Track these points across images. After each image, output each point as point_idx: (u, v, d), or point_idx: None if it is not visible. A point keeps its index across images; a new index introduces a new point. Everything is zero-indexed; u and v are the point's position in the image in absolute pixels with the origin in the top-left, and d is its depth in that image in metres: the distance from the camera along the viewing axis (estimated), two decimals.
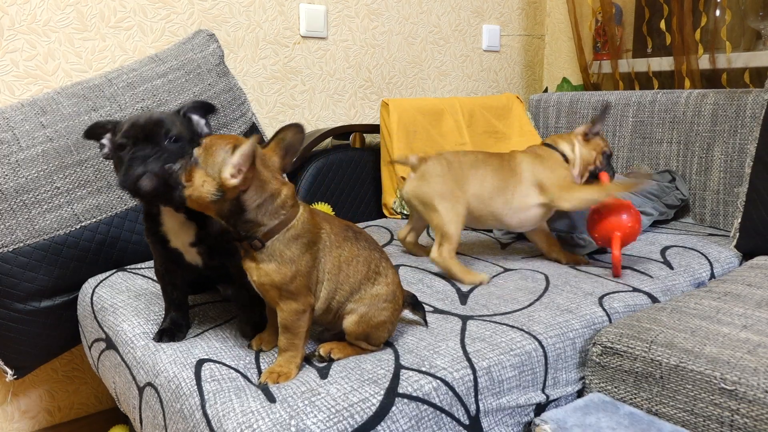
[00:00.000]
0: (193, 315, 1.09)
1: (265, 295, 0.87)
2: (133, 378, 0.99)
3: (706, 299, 1.12)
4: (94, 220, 1.32)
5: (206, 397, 0.81)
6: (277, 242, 0.83)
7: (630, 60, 2.22)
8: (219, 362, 0.90)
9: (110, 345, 1.09)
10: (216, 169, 0.79)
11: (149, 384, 0.93)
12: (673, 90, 1.88)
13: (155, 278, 1.27)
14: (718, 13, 2.01)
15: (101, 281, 1.27)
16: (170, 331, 1.00)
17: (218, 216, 0.83)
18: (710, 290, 1.18)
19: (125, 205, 1.35)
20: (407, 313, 1.04)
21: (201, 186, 0.80)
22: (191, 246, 0.99)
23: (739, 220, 1.46)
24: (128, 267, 1.35)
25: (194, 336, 1.00)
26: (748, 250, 1.45)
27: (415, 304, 1.01)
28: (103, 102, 1.36)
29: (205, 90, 1.48)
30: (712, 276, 1.38)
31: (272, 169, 0.84)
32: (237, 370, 0.88)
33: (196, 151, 0.81)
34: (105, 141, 0.97)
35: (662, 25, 2.08)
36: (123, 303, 1.15)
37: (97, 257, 1.32)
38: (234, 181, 0.78)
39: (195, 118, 0.99)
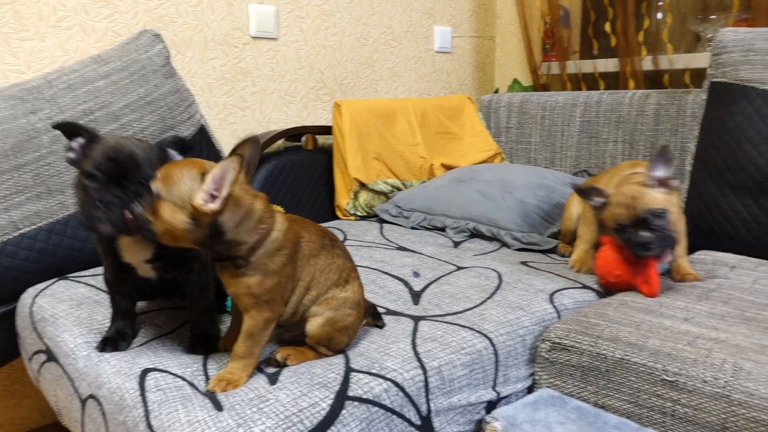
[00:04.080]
0: (140, 323, 1.06)
1: (238, 303, 0.85)
2: (75, 390, 0.95)
3: None
4: (34, 227, 1.26)
5: (150, 407, 0.78)
6: (261, 256, 0.81)
7: (577, 61, 2.27)
8: (165, 371, 0.87)
9: (51, 357, 1.05)
10: (185, 198, 0.76)
11: (91, 396, 0.90)
12: (618, 90, 1.93)
13: (99, 286, 1.22)
14: (659, 16, 2.08)
15: (41, 291, 1.22)
16: (114, 340, 0.96)
17: (195, 244, 0.80)
18: None
19: (67, 211, 1.30)
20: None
21: (171, 218, 0.77)
22: (146, 262, 0.96)
23: None
24: (70, 275, 1.30)
25: (140, 345, 0.98)
26: (690, 245, 1.49)
27: (375, 314, 1.02)
28: (42, 104, 1.31)
29: (150, 91, 1.44)
30: None
31: (241, 185, 0.81)
32: (183, 379, 0.86)
33: (154, 185, 0.78)
34: (75, 145, 0.90)
35: (607, 27, 2.13)
36: (64, 313, 1.10)
37: (37, 266, 1.27)
38: (212, 206, 0.76)
39: (171, 152, 0.95)
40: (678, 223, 1.21)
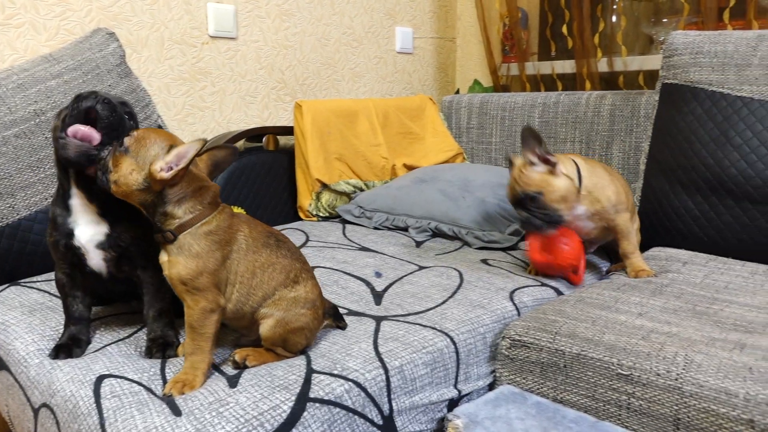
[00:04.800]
0: (95, 328, 1.03)
1: (175, 291, 0.86)
2: (28, 399, 0.92)
3: (606, 290, 1.18)
4: None
5: (105, 415, 0.77)
6: (188, 236, 0.84)
7: (536, 63, 2.31)
8: (121, 377, 0.86)
9: (2, 365, 1.02)
10: (147, 161, 0.83)
11: (45, 405, 0.87)
12: (575, 91, 1.97)
13: (52, 291, 1.19)
14: (614, 19, 2.14)
15: None
16: (67, 347, 0.94)
17: (139, 204, 0.86)
18: (611, 281, 1.25)
19: (17, 214, 1.26)
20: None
21: (128, 174, 0.83)
22: (98, 248, 0.94)
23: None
24: (22, 281, 1.26)
25: (95, 351, 0.95)
26: (644, 242, 1.54)
27: (336, 315, 1.01)
28: None
29: (105, 91, 1.40)
30: None
31: (199, 169, 0.88)
32: (140, 384, 0.84)
33: (127, 140, 0.84)
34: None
35: (564, 29, 2.18)
36: (15, 319, 1.07)
37: None
38: (164, 175, 0.82)
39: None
40: (618, 216, 1.30)
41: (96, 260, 0.96)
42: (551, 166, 1.23)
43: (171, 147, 0.83)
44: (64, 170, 0.95)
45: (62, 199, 0.96)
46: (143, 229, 0.95)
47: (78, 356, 0.93)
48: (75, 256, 0.95)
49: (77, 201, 0.95)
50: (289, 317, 0.88)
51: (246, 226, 0.89)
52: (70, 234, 0.95)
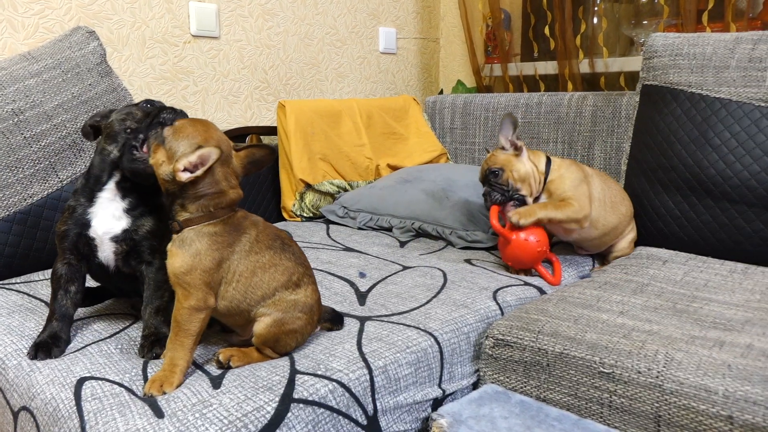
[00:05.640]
0: (75, 328, 1.02)
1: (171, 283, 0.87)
2: (7, 402, 0.91)
3: (588, 289, 1.19)
4: None
5: (86, 418, 0.76)
6: (192, 231, 0.85)
7: (518, 63, 2.32)
8: (102, 379, 0.85)
9: None
10: (175, 156, 0.85)
11: (24, 408, 0.86)
12: (557, 92, 1.99)
13: (31, 293, 1.17)
14: (595, 20, 2.16)
15: None
16: (46, 346, 0.92)
17: (164, 191, 0.89)
18: (592, 280, 1.26)
19: None
20: None
21: (160, 164, 0.87)
22: (112, 240, 0.97)
23: None
24: (1, 282, 1.24)
25: (75, 351, 0.94)
26: None
27: (335, 320, 1.02)
28: None
29: (85, 90, 1.39)
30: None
31: (229, 172, 0.89)
32: (121, 385, 0.83)
33: (167, 131, 0.87)
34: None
35: (546, 31, 2.19)
36: None
37: None
38: (182, 177, 0.84)
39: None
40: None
41: (107, 252, 0.98)
42: (518, 151, 1.36)
43: (199, 146, 0.84)
44: (108, 167, 0.99)
45: (90, 189, 0.99)
46: (159, 225, 0.99)
47: (57, 356, 0.92)
48: (87, 247, 0.98)
49: (108, 195, 0.99)
50: (286, 318, 0.88)
51: (254, 229, 0.90)
52: (86, 224, 0.97)
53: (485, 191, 1.38)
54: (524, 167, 1.35)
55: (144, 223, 0.99)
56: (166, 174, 0.86)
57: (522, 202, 1.34)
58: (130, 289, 1.08)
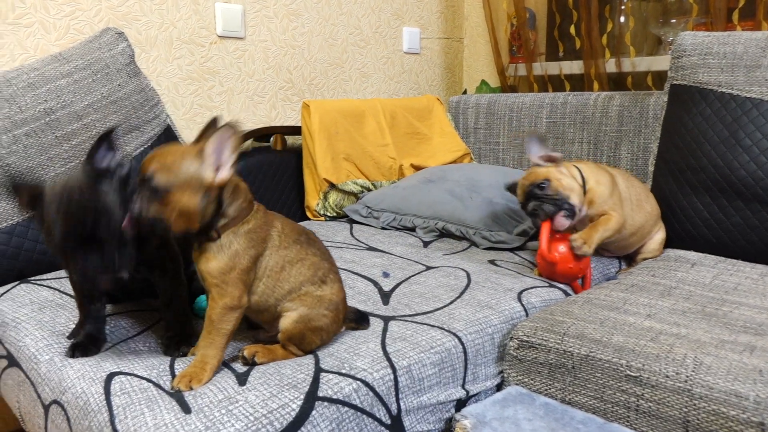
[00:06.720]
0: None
1: (203, 283, 0.86)
2: (38, 396, 0.93)
3: (614, 291, 1.18)
4: None
5: (116, 411, 0.77)
6: (230, 234, 0.85)
7: (543, 63, 2.30)
8: (131, 374, 0.86)
9: (12, 362, 1.02)
10: (195, 177, 0.80)
11: (55, 401, 0.88)
12: (582, 92, 1.97)
13: (62, 289, 1.20)
14: (622, 19, 2.13)
15: (2, 294, 1.19)
16: (84, 346, 0.94)
17: (200, 221, 0.82)
18: (619, 282, 1.24)
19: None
20: None
21: (187, 202, 0.79)
22: None
23: None
24: (32, 279, 1.27)
25: (105, 349, 0.96)
26: None
27: (360, 319, 1.01)
28: (1, 104, 1.27)
29: (114, 91, 1.42)
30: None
31: None
32: (149, 380, 0.84)
33: (156, 180, 0.78)
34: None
35: (572, 30, 2.17)
36: (26, 317, 1.07)
37: None
38: (222, 175, 0.80)
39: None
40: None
41: None
42: (556, 163, 1.32)
43: (200, 151, 0.81)
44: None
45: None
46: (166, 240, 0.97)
47: (94, 355, 0.93)
48: None
49: None
50: (312, 315, 0.89)
51: (279, 222, 0.91)
52: None
53: (533, 207, 1.28)
54: (566, 177, 1.30)
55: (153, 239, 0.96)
56: (198, 202, 0.80)
57: (571, 211, 1.27)
58: (146, 291, 1.08)
